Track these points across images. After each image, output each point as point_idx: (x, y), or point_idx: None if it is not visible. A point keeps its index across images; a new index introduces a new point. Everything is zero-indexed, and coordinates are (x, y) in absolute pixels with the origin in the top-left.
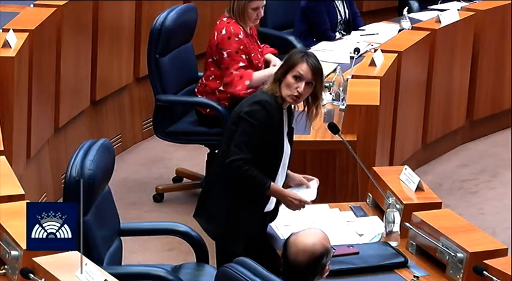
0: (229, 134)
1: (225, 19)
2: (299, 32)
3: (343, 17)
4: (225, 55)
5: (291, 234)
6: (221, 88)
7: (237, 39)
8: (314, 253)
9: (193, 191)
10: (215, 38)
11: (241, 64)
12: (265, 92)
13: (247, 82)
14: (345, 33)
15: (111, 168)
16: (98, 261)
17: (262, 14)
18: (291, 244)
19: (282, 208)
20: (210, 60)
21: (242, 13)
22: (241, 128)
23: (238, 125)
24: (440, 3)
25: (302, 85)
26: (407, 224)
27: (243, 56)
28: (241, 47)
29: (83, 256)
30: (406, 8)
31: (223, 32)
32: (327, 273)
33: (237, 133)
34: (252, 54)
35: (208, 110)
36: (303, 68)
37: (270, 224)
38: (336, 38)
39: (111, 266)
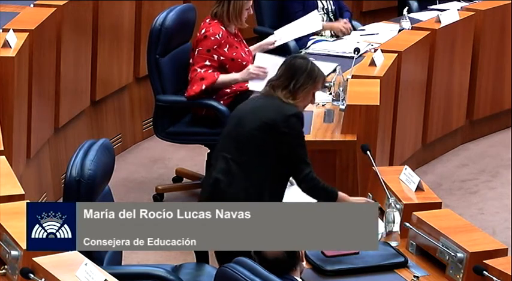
0: (256, 141)
1: (207, 21)
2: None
3: (327, 7)
4: (196, 53)
5: None
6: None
7: (213, 38)
8: None
9: (193, 191)
10: (196, 39)
11: (207, 63)
12: (286, 102)
13: (203, 86)
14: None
15: (111, 168)
16: (98, 261)
17: (252, 12)
18: None
19: None
20: (190, 61)
21: (239, 13)
22: (291, 143)
23: (278, 139)
24: (439, 3)
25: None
26: (407, 224)
27: (214, 56)
28: (215, 46)
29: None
30: (406, 8)
31: (203, 31)
32: (303, 256)
33: (290, 148)
34: (234, 54)
35: (204, 112)
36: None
37: None
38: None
39: (111, 266)
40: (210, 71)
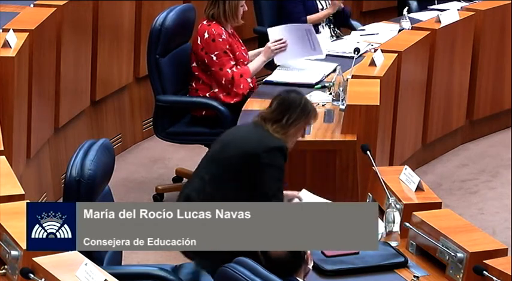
0: (236, 170)
1: (205, 22)
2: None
3: (325, 8)
4: (214, 58)
5: None
6: (215, 90)
7: (221, 39)
8: None
9: None
10: (198, 42)
11: (232, 62)
12: (274, 136)
13: (249, 80)
14: (335, 29)
15: (111, 168)
16: (98, 261)
17: (247, 9)
18: None
19: None
20: (194, 65)
21: (236, 11)
22: (269, 174)
23: (258, 169)
24: (439, 3)
25: None
26: (407, 224)
27: (231, 55)
28: (227, 46)
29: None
30: (406, 8)
31: (206, 35)
32: (310, 260)
33: (266, 179)
34: (237, 53)
35: (204, 113)
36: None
37: None
38: (324, 33)
39: (111, 266)
40: (239, 67)
